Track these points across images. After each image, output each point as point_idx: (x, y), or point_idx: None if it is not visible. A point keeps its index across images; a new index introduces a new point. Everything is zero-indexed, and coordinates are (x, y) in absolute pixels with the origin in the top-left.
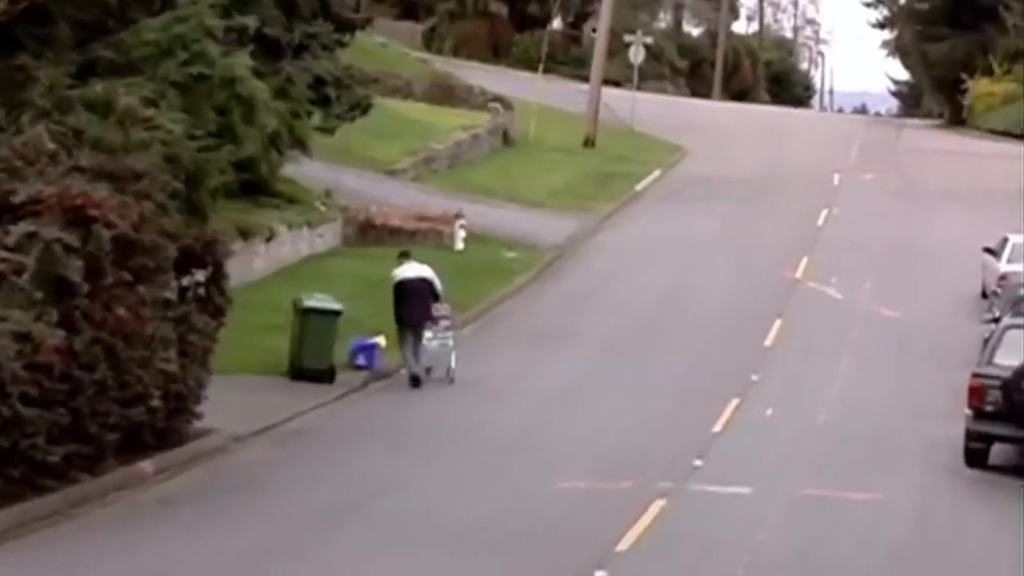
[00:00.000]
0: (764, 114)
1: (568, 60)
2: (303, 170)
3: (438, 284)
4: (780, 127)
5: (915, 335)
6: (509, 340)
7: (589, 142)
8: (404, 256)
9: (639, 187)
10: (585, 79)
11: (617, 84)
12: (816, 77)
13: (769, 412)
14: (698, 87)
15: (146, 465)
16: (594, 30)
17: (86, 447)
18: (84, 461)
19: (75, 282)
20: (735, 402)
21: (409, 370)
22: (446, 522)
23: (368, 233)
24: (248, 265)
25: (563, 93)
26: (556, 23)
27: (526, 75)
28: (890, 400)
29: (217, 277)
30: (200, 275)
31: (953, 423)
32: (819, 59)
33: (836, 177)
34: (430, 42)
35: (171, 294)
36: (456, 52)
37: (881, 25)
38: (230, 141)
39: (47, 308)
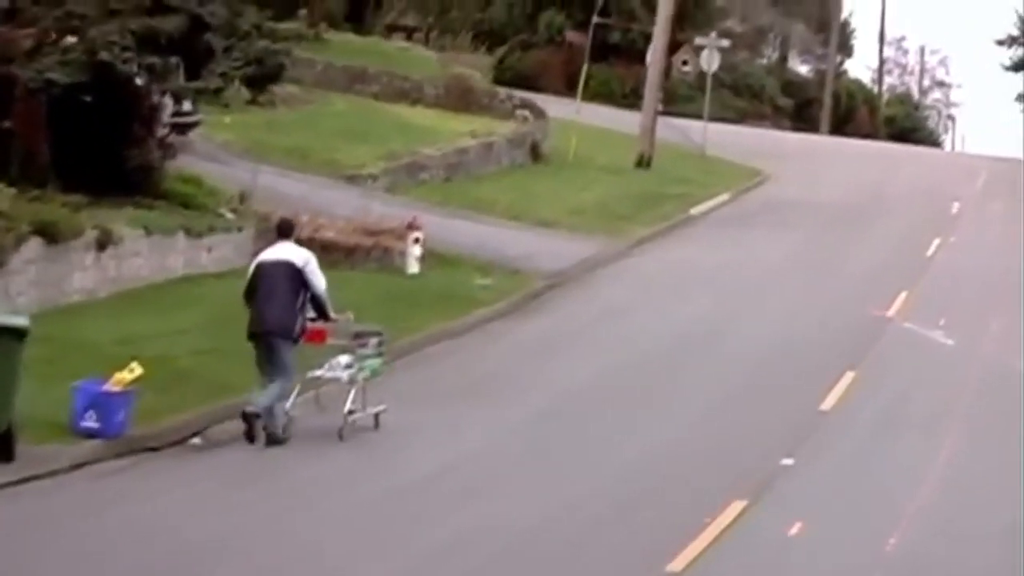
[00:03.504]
0: (875, 148)
1: None
2: (223, 171)
3: (317, 282)
4: (892, 157)
5: None
6: (414, 395)
7: (643, 162)
8: (281, 233)
9: (695, 210)
10: (673, 115)
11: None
12: (946, 140)
13: (794, 529)
14: (805, 131)
15: None
16: (685, 63)
17: None
18: None
19: None
20: (737, 507)
21: (249, 405)
22: None
23: None
24: (59, 281)
25: (638, 122)
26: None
27: (601, 108)
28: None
29: None
30: None
31: None
32: (949, 123)
33: (955, 206)
34: (501, 74)
35: None
36: (527, 84)
37: (1016, 68)
38: None
39: None
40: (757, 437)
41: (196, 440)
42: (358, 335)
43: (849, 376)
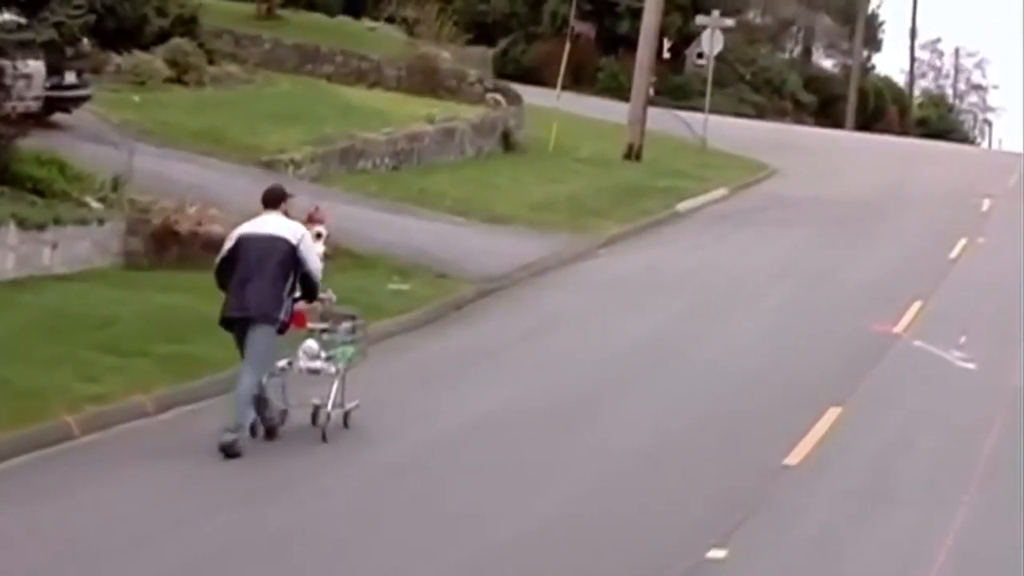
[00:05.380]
0: (902, 144)
1: (665, 88)
2: (108, 154)
3: (312, 259)
4: (919, 153)
5: None
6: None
7: (632, 153)
8: (267, 203)
9: (683, 206)
10: (686, 108)
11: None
12: (982, 143)
13: None
14: (828, 128)
15: None
16: (699, 55)
17: None
18: None
19: None
20: None
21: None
22: None
23: (169, 247)
24: None
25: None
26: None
27: (600, 100)
28: None
29: None
30: None
31: None
32: (985, 127)
33: (985, 203)
34: (503, 67)
35: None
36: (530, 77)
37: None
38: None
39: None
40: (684, 511)
41: None
42: (328, 318)
43: (832, 414)
